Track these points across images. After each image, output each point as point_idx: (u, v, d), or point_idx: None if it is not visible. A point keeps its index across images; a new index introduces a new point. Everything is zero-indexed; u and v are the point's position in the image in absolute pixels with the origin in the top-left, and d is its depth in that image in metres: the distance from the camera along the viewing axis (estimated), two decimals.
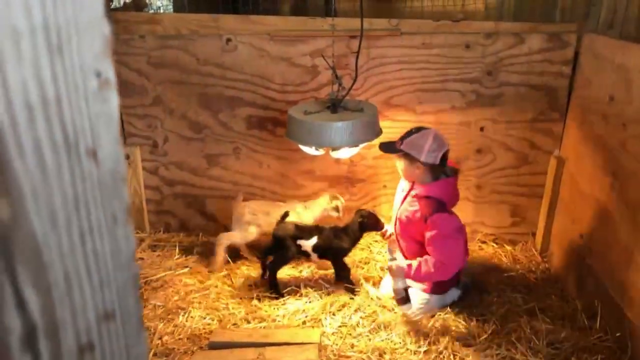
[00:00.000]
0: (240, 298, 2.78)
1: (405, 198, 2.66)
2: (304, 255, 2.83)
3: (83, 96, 0.40)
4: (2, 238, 0.36)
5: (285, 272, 2.97)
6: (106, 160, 0.43)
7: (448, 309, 2.66)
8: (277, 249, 2.80)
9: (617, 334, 2.35)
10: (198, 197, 3.33)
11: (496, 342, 2.39)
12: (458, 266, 2.52)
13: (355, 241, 2.82)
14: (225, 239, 3.00)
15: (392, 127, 3.03)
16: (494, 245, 3.27)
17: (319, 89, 3.02)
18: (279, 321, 2.60)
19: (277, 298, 2.76)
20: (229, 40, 2.94)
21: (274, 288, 2.79)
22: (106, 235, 0.44)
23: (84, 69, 0.40)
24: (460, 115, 3.03)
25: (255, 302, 2.75)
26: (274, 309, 2.70)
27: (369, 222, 2.77)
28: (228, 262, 3.04)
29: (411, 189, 2.64)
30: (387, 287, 2.79)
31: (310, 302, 2.73)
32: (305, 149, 2.64)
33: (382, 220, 2.84)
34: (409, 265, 2.52)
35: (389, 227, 2.83)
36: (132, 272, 0.47)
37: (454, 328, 2.53)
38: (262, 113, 3.09)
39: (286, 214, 2.85)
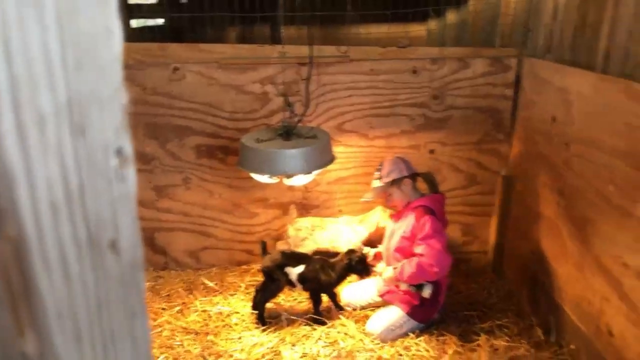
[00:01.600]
0: (195, 334, 2.68)
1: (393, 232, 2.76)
2: (290, 284, 2.77)
3: (105, 179, 0.35)
4: None
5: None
6: (127, 250, 0.37)
7: None
8: (267, 282, 2.75)
9: (572, 347, 2.41)
10: (146, 230, 3.20)
11: None
12: (445, 265, 2.51)
13: (339, 279, 2.77)
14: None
15: (345, 152, 3.04)
16: None
17: (269, 116, 3.00)
18: (236, 356, 2.51)
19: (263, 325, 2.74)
20: (176, 69, 2.88)
21: (260, 319, 2.75)
22: (126, 336, 0.38)
23: (105, 147, 0.35)
24: (410, 139, 3.09)
25: (210, 337, 2.65)
26: (231, 343, 2.61)
27: (357, 267, 2.73)
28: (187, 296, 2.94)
29: (400, 217, 2.72)
30: (357, 294, 2.88)
31: (268, 334, 2.66)
32: (259, 177, 2.60)
33: (371, 268, 2.81)
34: (395, 270, 2.61)
35: (381, 265, 2.81)
36: None
37: (414, 351, 2.53)
38: (212, 142, 3.03)
39: (265, 244, 2.81)
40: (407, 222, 2.64)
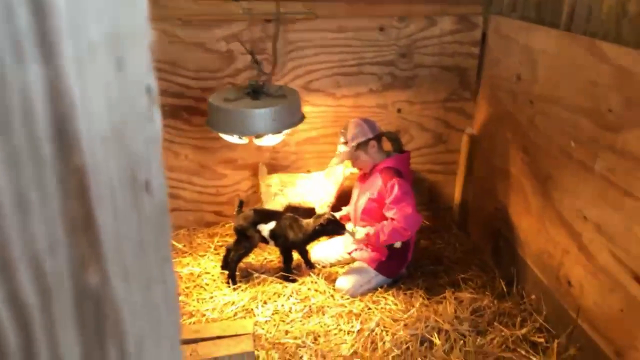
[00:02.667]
0: (178, 297, 2.68)
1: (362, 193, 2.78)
2: (263, 241, 2.79)
3: (139, 117, 0.34)
4: (95, 312, 0.31)
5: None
6: (157, 191, 0.37)
7: None
8: (241, 240, 2.75)
9: (532, 297, 2.52)
10: None
11: (424, 315, 2.49)
12: (416, 226, 2.60)
13: (306, 240, 2.79)
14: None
15: (312, 112, 3.02)
16: None
17: (235, 75, 2.94)
18: (209, 315, 2.54)
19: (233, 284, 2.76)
20: None
21: (232, 279, 2.76)
22: (159, 280, 0.39)
23: (139, 84, 0.34)
24: (377, 97, 3.09)
25: (182, 297, 2.66)
26: (202, 303, 2.63)
27: (329, 229, 2.73)
28: None
29: (367, 178, 2.75)
30: (326, 252, 2.94)
31: (239, 293, 2.69)
32: (227, 137, 2.57)
33: (342, 226, 2.78)
34: (367, 236, 2.63)
35: (350, 225, 2.82)
36: (177, 316, 0.43)
37: (383, 305, 2.60)
38: (177, 102, 2.96)
39: (242, 203, 2.81)
40: (374, 184, 2.67)
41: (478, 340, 2.31)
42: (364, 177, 2.81)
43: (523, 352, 2.24)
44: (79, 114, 0.28)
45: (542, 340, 2.31)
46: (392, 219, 2.53)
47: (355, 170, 2.93)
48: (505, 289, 2.67)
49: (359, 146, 2.68)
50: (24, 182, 0.27)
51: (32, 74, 0.26)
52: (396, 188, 2.54)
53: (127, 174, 0.33)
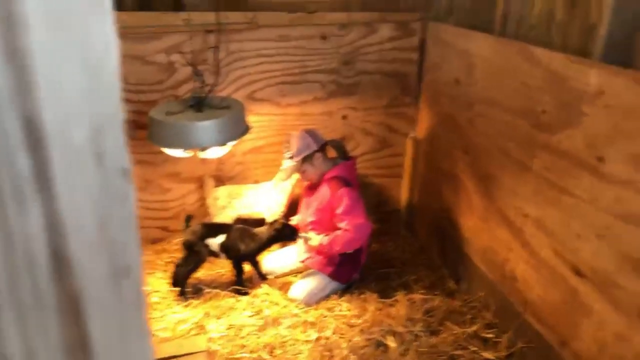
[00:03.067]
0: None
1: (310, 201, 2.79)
2: (213, 255, 2.74)
3: (117, 202, 0.34)
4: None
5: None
6: (136, 275, 0.36)
7: None
8: (189, 255, 2.69)
9: (481, 294, 2.60)
10: None
11: (379, 319, 2.52)
12: (368, 234, 2.63)
13: (260, 249, 2.76)
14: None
15: (259, 122, 3.01)
16: None
17: (176, 87, 2.88)
18: (161, 335, 2.46)
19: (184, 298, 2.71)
20: None
21: (182, 294, 2.70)
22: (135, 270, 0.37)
23: (116, 170, 0.35)
24: (322, 105, 3.11)
25: None
26: (154, 322, 2.55)
27: (284, 233, 2.73)
28: None
29: (315, 188, 2.77)
30: (278, 262, 2.93)
31: (191, 309, 2.63)
32: (171, 152, 2.51)
33: (297, 232, 2.79)
34: (321, 247, 2.65)
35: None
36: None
37: (338, 311, 2.61)
38: None
39: (189, 217, 2.75)
40: (322, 194, 2.68)
41: (431, 340, 2.36)
42: (311, 186, 2.82)
43: (474, 349, 2.31)
44: (73, 239, 0.27)
45: (491, 335, 2.39)
46: (345, 230, 2.55)
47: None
48: (454, 287, 2.74)
49: (304, 159, 2.68)
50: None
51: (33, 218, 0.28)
52: (345, 199, 2.56)
53: (110, 265, 0.32)
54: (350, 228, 2.54)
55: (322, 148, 2.73)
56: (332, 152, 2.85)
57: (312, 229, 2.73)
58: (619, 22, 1.78)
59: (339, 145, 2.83)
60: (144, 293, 0.38)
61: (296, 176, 2.95)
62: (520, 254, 2.26)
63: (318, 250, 2.67)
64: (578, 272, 1.90)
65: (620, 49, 1.79)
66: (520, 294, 2.28)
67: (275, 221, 2.75)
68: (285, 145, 2.74)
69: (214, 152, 2.54)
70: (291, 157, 2.69)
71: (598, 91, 1.74)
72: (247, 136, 2.70)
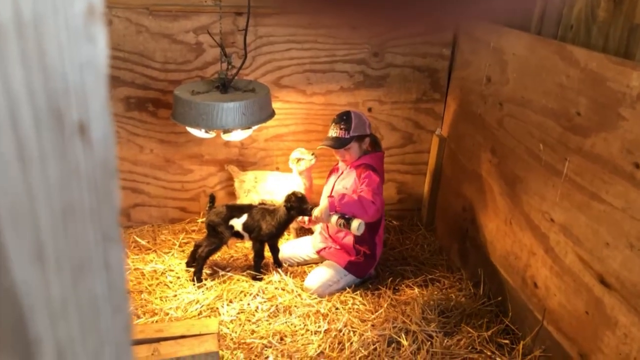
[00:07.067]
0: (128, 292, 2.58)
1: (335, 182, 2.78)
2: (238, 236, 2.74)
3: (67, 27, 0.25)
4: None
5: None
6: (99, 142, 0.28)
7: None
8: (211, 236, 2.69)
9: (499, 298, 2.54)
10: None
11: (392, 315, 2.47)
12: (372, 217, 2.54)
13: (280, 226, 2.71)
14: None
15: (283, 109, 2.97)
16: (384, 221, 3.37)
17: (204, 67, 2.87)
18: (172, 314, 2.46)
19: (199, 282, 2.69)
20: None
21: (197, 275, 2.68)
22: (101, 267, 0.30)
23: None
24: (348, 96, 3.06)
25: (144, 295, 2.57)
26: (166, 301, 2.55)
27: (295, 206, 2.65)
28: None
29: (339, 174, 2.77)
30: (295, 251, 2.91)
31: (204, 291, 2.62)
32: (194, 131, 2.49)
33: (310, 205, 2.68)
34: (331, 197, 2.59)
35: (316, 211, 2.69)
36: (126, 317, 0.33)
37: (350, 305, 2.57)
38: (142, 93, 2.87)
39: (213, 198, 2.75)
40: (348, 179, 2.67)
41: (445, 341, 2.30)
42: (338, 170, 2.82)
43: (489, 354, 2.25)
44: None
45: (507, 341, 2.32)
46: (359, 196, 2.52)
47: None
48: (472, 290, 2.68)
49: (356, 138, 2.66)
50: None
51: None
52: (370, 180, 2.57)
53: (45, 104, 0.25)
54: (366, 190, 2.51)
55: (371, 137, 2.74)
56: None
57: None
58: None
59: (374, 138, 2.80)
60: (112, 177, 0.31)
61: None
62: (543, 260, 2.19)
63: (330, 203, 2.54)
64: (604, 282, 1.82)
65: None
66: (541, 301, 2.21)
67: (287, 195, 2.70)
68: (341, 116, 2.68)
69: (237, 135, 2.52)
70: (345, 129, 2.63)
71: None
72: (270, 123, 2.68)
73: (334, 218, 2.53)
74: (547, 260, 2.15)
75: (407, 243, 3.17)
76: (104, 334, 0.33)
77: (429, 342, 2.29)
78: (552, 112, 2.10)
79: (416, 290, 2.68)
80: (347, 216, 2.51)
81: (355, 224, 2.47)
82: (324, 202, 2.60)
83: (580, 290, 1.95)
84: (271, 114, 2.52)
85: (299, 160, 2.90)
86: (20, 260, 0.25)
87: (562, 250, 2.05)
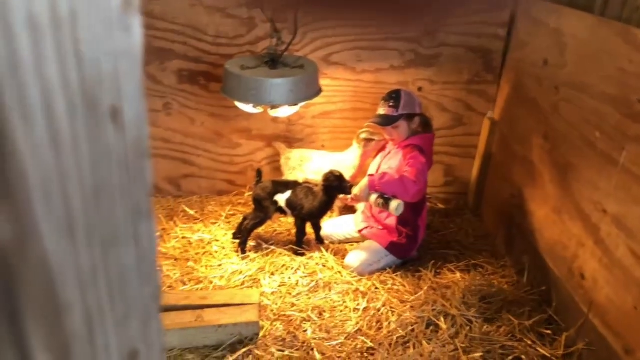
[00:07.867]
0: (175, 259, 2.68)
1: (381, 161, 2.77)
2: (281, 212, 2.78)
3: (103, 19, 0.26)
4: (3, 277, 0.23)
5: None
6: (131, 125, 0.29)
7: None
8: (257, 210, 2.75)
9: (543, 288, 2.48)
10: None
11: (432, 298, 2.46)
12: (412, 198, 2.50)
13: (321, 206, 2.72)
14: None
15: (331, 86, 2.97)
16: (428, 204, 3.33)
17: (255, 42, 2.89)
18: (216, 283, 2.53)
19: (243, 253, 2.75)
20: None
21: (242, 246, 2.75)
22: (130, 240, 0.32)
23: None
24: (398, 74, 3.01)
25: (190, 263, 2.66)
26: (211, 270, 2.63)
27: (334, 185, 2.65)
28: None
29: (385, 157, 2.75)
30: (336, 228, 2.91)
31: (248, 263, 2.68)
32: (242, 106, 2.53)
33: (350, 183, 2.67)
34: (372, 175, 2.56)
35: (355, 189, 2.67)
36: (155, 288, 0.35)
37: (390, 285, 2.58)
38: (194, 67, 2.92)
39: (260, 172, 2.80)
40: (395, 159, 2.64)
41: (485, 327, 2.28)
42: (385, 150, 2.80)
43: (529, 342, 2.21)
44: None
45: (549, 332, 2.27)
46: (402, 175, 2.48)
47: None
48: (515, 278, 2.63)
49: (405, 117, 2.62)
50: None
51: None
52: (416, 162, 2.52)
53: (78, 90, 0.25)
54: (407, 177, 2.45)
55: (421, 116, 2.69)
56: None
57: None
58: None
59: (425, 118, 2.74)
60: (144, 158, 0.32)
61: (359, 152, 2.90)
62: (592, 252, 2.11)
63: (370, 181, 2.53)
64: None
65: None
66: (587, 293, 2.15)
67: (325, 174, 2.69)
68: (391, 94, 2.64)
69: (284, 111, 2.53)
70: (394, 107, 2.60)
71: None
72: (317, 100, 2.68)
73: (373, 197, 2.50)
74: (597, 252, 2.08)
75: (451, 227, 3.13)
76: (131, 302, 0.34)
77: (468, 327, 2.27)
78: (611, 99, 2.00)
79: (458, 274, 2.66)
80: (386, 196, 2.49)
81: (395, 204, 2.44)
82: (364, 180, 2.59)
83: (630, 284, 1.88)
84: (318, 91, 2.52)
85: (369, 140, 2.87)
86: (50, 233, 0.26)
87: (614, 243, 1.98)
